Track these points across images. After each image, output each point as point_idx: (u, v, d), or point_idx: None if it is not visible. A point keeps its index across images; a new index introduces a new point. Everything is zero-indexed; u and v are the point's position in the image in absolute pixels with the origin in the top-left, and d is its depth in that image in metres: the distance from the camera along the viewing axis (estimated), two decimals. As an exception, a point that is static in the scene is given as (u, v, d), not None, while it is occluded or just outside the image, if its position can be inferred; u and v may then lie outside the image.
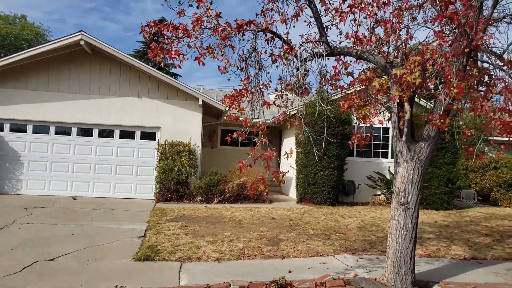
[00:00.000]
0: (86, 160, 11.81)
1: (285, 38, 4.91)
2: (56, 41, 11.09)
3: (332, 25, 5.34)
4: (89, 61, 11.85)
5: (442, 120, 4.16)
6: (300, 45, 4.92)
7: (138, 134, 12.14)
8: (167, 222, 8.44)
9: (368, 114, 4.62)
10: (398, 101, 4.91)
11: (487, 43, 4.87)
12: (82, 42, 10.92)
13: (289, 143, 14.51)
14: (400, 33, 5.03)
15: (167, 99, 12.23)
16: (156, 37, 4.39)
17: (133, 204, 10.79)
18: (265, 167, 4.38)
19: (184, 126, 12.18)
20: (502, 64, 4.61)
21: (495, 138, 20.40)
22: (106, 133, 12.01)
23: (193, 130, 12.28)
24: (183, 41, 4.62)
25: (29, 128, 11.61)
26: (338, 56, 5.48)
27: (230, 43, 4.67)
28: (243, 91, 4.43)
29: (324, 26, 5.48)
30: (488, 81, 4.39)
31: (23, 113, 11.44)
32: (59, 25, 55.56)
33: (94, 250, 6.22)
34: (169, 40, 4.42)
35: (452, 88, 3.70)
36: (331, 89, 5.09)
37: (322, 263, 5.93)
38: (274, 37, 5.02)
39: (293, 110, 12.48)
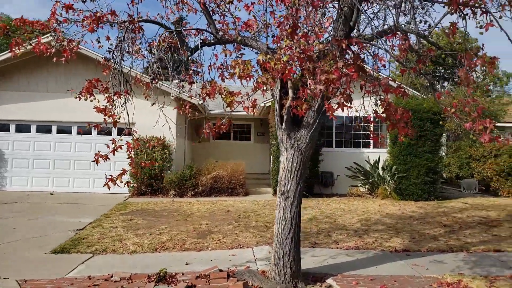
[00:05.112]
0: (66, 157, 12.25)
1: (162, 23, 4.90)
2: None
3: (224, 12, 5.24)
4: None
5: (299, 106, 3.96)
6: (185, 32, 4.88)
7: (115, 130, 12.41)
8: (118, 215, 8.63)
9: (233, 102, 4.47)
10: (280, 88, 4.72)
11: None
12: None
13: (272, 135, 14.33)
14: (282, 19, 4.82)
15: (142, 94, 12.37)
16: (8, 33, 4.47)
17: (105, 198, 11.07)
18: (128, 158, 4.39)
19: (159, 121, 12.31)
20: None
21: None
22: (84, 130, 12.37)
23: (167, 125, 12.39)
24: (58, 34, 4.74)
25: (12, 127, 12.19)
26: (238, 44, 5.37)
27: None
28: (94, 82, 4.45)
29: (221, 13, 5.39)
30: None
31: (6, 113, 12.01)
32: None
33: (23, 242, 6.46)
34: (35, 34, 4.52)
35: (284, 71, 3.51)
36: (219, 78, 4.97)
37: (232, 255, 5.84)
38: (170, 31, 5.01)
39: (268, 102, 12.35)
